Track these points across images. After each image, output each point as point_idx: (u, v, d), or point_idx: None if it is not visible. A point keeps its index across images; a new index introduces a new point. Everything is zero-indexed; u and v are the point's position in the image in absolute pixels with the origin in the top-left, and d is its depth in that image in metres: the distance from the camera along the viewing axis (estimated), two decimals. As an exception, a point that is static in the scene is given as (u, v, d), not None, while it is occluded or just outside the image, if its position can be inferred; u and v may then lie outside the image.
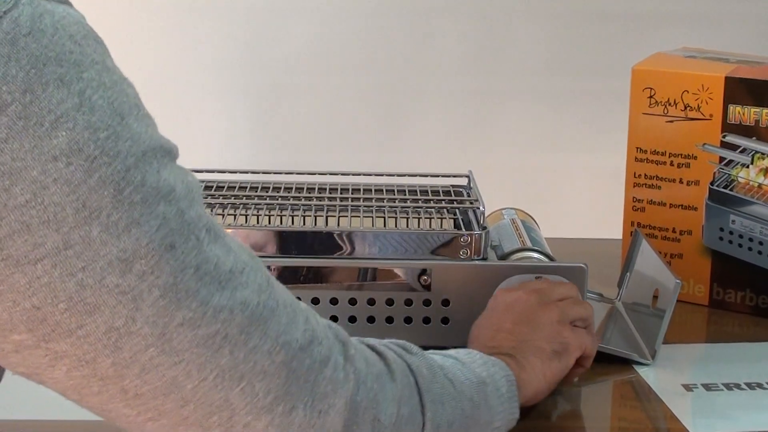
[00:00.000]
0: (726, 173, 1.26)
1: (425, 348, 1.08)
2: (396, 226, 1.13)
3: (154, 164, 0.68)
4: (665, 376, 1.09)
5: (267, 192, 1.19)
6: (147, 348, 0.68)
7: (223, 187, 1.21)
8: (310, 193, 1.20)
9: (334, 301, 1.09)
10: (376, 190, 1.22)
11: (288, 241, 1.09)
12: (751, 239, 1.26)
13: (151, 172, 0.68)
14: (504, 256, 1.14)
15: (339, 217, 1.15)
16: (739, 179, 1.25)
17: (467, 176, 1.25)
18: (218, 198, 1.17)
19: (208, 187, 1.21)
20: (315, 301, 1.08)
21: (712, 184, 1.27)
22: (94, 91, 0.66)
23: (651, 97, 1.27)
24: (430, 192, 1.22)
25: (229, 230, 1.09)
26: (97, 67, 0.67)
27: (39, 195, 0.64)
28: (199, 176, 1.22)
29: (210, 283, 0.70)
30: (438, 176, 1.26)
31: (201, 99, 2.17)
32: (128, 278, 0.67)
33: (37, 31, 0.65)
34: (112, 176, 0.66)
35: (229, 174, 1.24)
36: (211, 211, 1.15)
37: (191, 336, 0.69)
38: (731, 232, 1.27)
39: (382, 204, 1.17)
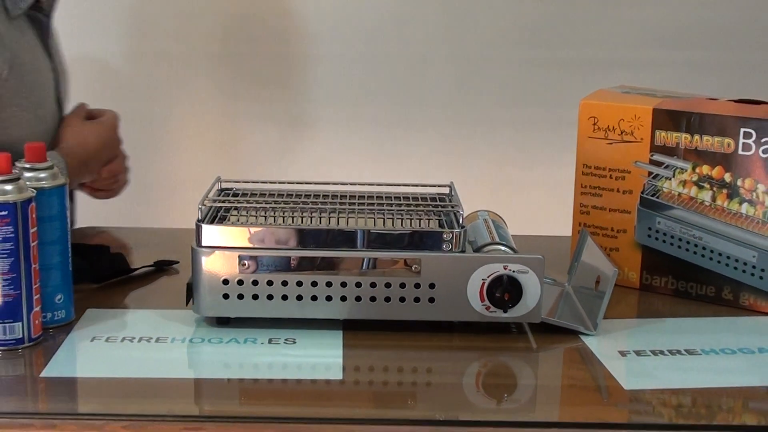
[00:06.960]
0: (653, 184, 1.26)
1: (415, 322, 1.09)
2: (393, 225, 1.12)
3: None
4: (605, 344, 1.09)
5: (291, 198, 1.18)
6: None
7: (257, 194, 1.21)
8: (325, 199, 1.19)
9: (343, 284, 1.08)
10: (377, 197, 1.21)
11: (307, 237, 1.09)
12: (672, 236, 1.26)
13: None
14: (478, 249, 1.14)
15: (348, 217, 1.13)
16: (664, 189, 1.25)
17: (449, 186, 1.24)
18: (252, 203, 1.16)
19: (244, 194, 1.20)
20: (328, 284, 1.07)
21: (642, 192, 1.27)
22: None
23: (595, 124, 1.27)
24: (420, 198, 1.22)
25: (261, 228, 1.08)
26: None
27: None
28: (238, 185, 1.22)
29: None
30: (426, 186, 1.25)
31: (245, 127, 2.17)
32: None
33: None
34: None
35: (261, 183, 1.23)
36: (247, 212, 1.15)
37: None
38: (657, 231, 1.27)
39: (382, 207, 1.15)
